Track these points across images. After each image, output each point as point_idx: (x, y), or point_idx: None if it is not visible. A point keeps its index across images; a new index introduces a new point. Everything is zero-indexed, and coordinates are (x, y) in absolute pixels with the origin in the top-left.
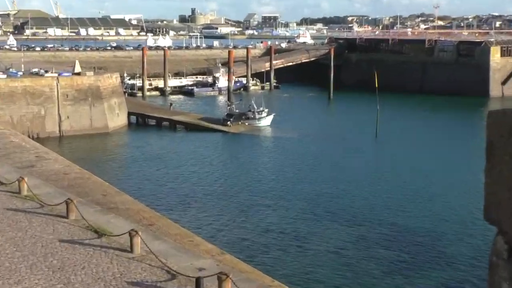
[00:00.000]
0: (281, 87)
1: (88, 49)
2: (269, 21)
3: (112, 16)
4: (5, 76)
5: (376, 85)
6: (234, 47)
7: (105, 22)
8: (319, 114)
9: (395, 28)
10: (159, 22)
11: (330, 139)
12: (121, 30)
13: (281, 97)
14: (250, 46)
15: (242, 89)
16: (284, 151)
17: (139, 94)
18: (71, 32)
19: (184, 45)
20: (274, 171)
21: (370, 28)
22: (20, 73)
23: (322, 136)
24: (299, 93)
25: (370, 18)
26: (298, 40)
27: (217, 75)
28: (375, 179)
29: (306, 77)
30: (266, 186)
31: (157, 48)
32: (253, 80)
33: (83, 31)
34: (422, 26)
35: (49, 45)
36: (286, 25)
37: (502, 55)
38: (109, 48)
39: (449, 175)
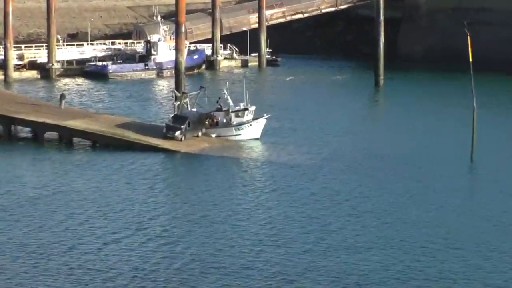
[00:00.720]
0: (282, 62)
1: None
2: None
3: None
4: None
5: (470, 59)
6: None
7: None
8: (357, 117)
9: None
10: None
11: (380, 169)
12: None
13: (282, 83)
14: None
15: (203, 66)
16: (289, 195)
17: None
18: None
19: None
20: (271, 240)
21: None
22: None
23: (364, 163)
24: (316, 74)
25: None
26: None
27: (154, 39)
28: (472, 250)
29: (330, 43)
30: (256, 272)
31: None
32: (226, 48)
33: None
34: None
35: None
36: None
37: None
38: None
39: None
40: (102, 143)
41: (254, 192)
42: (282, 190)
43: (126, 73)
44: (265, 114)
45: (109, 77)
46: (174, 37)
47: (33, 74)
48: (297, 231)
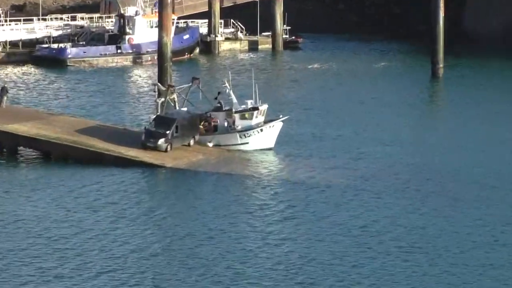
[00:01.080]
0: (303, 44)
1: None
2: None
3: None
4: None
5: None
6: None
7: None
8: (405, 120)
9: None
10: None
11: (436, 192)
12: None
13: (304, 73)
14: None
15: (197, 49)
16: (309, 226)
17: None
18: None
19: None
20: (284, 286)
21: None
22: None
23: (413, 183)
24: (349, 61)
25: None
26: None
27: (129, 12)
28: None
29: (370, 18)
30: None
31: None
32: (228, 26)
33: None
34: None
35: None
36: None
37: None
38: None
39: None
40: (57, 155)
41: (263, 221)
42: (300, 219)
43: (91, 58)
44: (281, 116)
45: (68, 64)
46: (156, 10)
47: None
48: (319, 274)
